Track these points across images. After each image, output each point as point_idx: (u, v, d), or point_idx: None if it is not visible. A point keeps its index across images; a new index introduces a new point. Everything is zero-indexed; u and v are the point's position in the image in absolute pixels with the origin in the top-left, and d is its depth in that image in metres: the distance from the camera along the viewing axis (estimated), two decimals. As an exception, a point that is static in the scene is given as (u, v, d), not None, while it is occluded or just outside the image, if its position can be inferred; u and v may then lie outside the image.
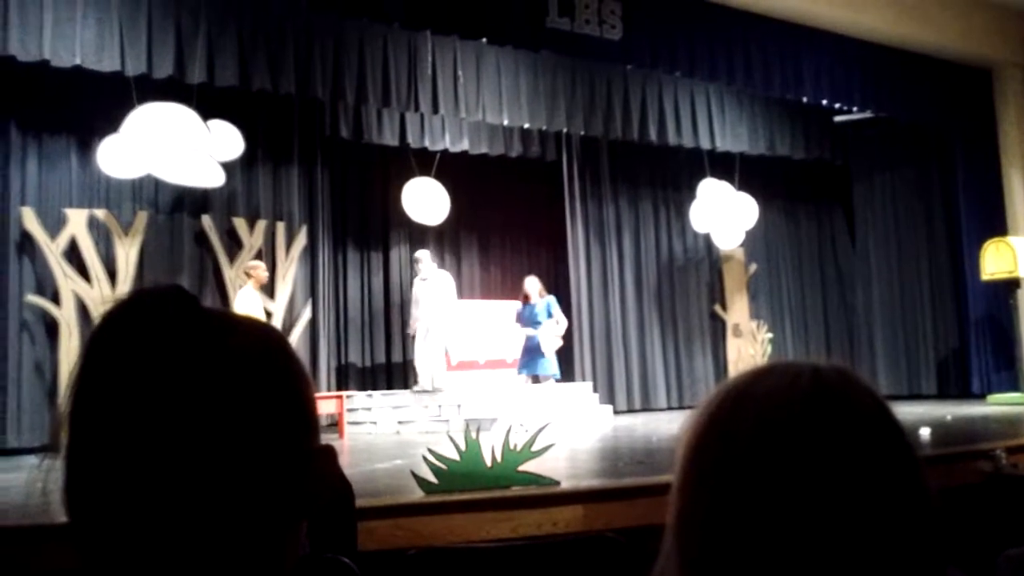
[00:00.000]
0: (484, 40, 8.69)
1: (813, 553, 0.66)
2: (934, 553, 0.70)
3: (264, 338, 0.71)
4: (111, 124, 7.37)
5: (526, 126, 9.88)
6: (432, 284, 9.09)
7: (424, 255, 9.32)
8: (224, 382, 0.65)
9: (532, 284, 8.62)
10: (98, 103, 7.81)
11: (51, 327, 7.87)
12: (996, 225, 10.38)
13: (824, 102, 10.20)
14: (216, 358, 0.65)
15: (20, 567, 3.01)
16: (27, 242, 7.89)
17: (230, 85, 7.76)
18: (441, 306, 9.00)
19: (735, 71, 9.08)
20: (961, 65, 10.44)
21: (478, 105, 8.88)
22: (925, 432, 5.99)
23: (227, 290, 8.74)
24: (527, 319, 8.76)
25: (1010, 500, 4.07)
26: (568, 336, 10.55)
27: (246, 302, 7.95)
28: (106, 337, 0.65)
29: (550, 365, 8.55)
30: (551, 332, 8.51)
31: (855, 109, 10.89)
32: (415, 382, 9.22)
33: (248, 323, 0.72)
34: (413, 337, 9.33)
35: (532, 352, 8.53)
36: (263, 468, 0.66)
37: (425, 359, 8.99)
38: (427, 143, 10.10)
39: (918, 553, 0.69)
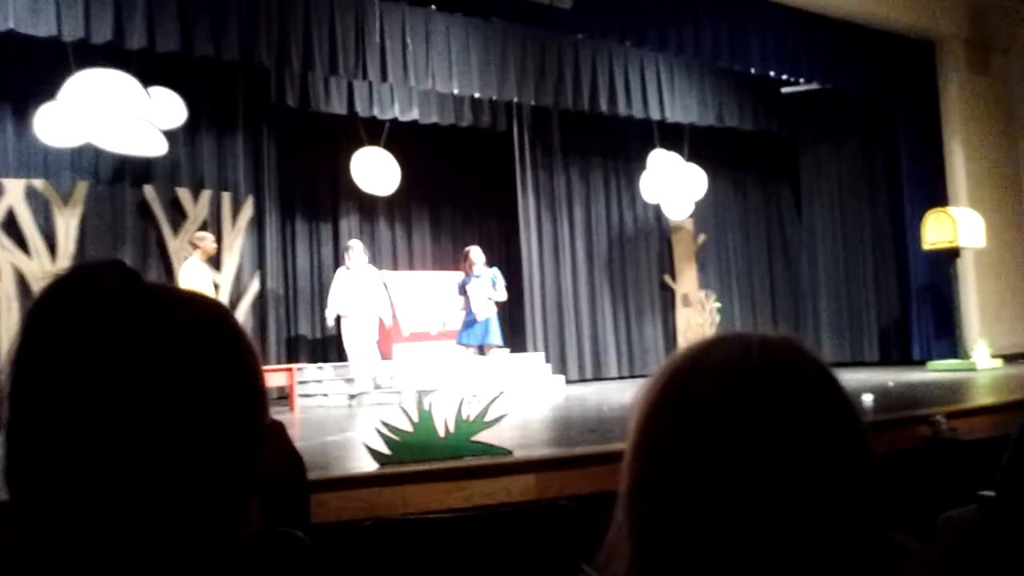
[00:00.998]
0: (433, 7, 8.57)
1: (762, 521, 0.67)
2: (880, 518, 0.71)
3: (208, 313, 0.69)
4: (48, 91, 7.12)
5: (476, 95, 9.80)
6: (358, 276, 8.84)
7: (356, 245, 9.07)
8: (167, 358, 0.63)
9: (478, 254, 8.50)
10: (34, 69, 7.56)
11: (-12, 301, 7.65)
12: (937, 196, 10.62)
13: (771, 73, 10.31)
14: (159, 333, 0.63)
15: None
16: (-39, 213, 7.63)
17: (172, 51, 7.55)
18: (369, 300, 8.76)
19: (684, 41, 9.11)
20: (906, 38, 10.60)
21: (428, 73, 8.77)
22: (868, 398, 6.13)
23: (171, 262, 8.57)
24: (469, 289, 8.48)
25: (949, 464, 4.19)
26: (520, 306, 10.56)
27: (192, 274, 7.80)
28: (45, 313, 0.63)
29: (495, 334, 8.37)
30: (488, 299, 8.30)
31: (801, 81, 11.02)
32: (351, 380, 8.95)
33: (192, 298, 0.70)
34: (333, 325, 9.10)
35: (473, 323, 8.31)
36: (209, 445, 0.64)
37: (355, 350, 8.78)
38: (376, 112, 9.97)
39: (865, 518, 0.70)
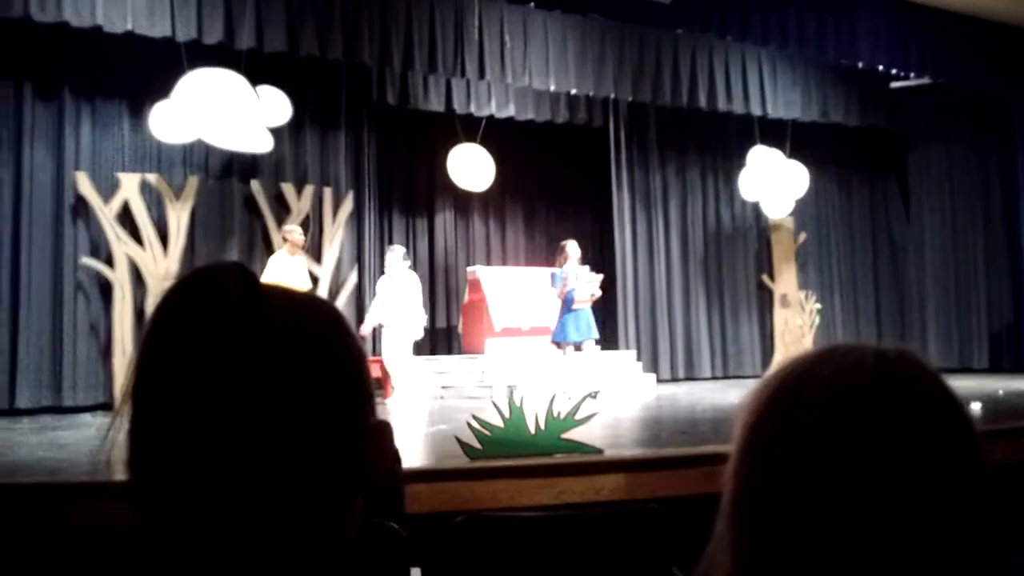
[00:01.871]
0: (531, 4, 8.59)
1: (870, 539, 0.65)
2: (996, 541, 0.69)
3: (322, 317, 0.72)
4: (162, 89, 7.46)
5: (573, 92, 9.76)
6: (398, 282, 8.38)
7: (398, 250, 8.60)
8: (281, 358, 0.66)
9: (575, 248, 8.38)
10: (149, 69, 7.90)
11: (105, 289, 8.05)
12: (1056, 196, 10.09)
13: (880, 68, 9.97)
14: (274, 335, 0.66)
15: (77, 521, 3.11)
16: (81, 205, 8.05)
17: (278, 51, 7.81)
18: (407, 307, 8.33)
19: (788, 35, 8.89)
20: (1021, 30, 10.08)
21: (524, 70, 8.80)
22: (976, 407, 5.89)
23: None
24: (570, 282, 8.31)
25: (1064, 478, 3.98)
26: (612, 304, 10.47)
27: (278, 266, 8.04)
28: (169, 313, 0.67)
29: (595, 327, 8.19)
30: (591, 293, 8.15)
31: (912, 75, 10.59)
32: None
33: (307, 300, 0.73)
34: (373, 334, 8.64)
35: (575, 317, 8.13)
36: (319, 443, 0.67)
37: (393, 361, 8.33)
38: (473, 109, 10.07)
39: (980, 540, 0.67)
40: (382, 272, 8.82)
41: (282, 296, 0.71)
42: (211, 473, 0.63)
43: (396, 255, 8.53)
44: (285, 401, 0.65)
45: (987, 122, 11.09)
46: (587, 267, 8.44)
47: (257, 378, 0.64)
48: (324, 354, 0.69)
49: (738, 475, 0.73)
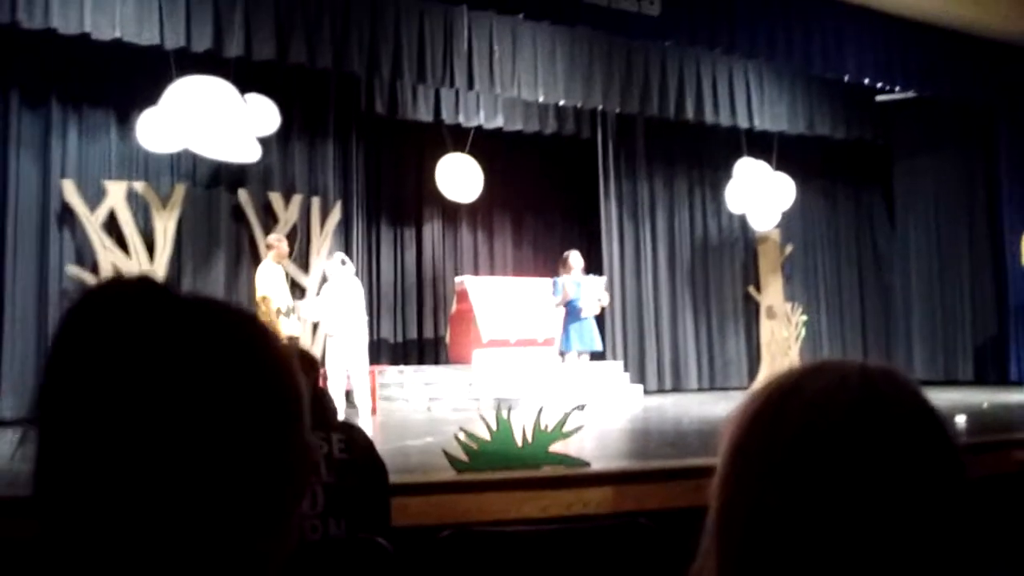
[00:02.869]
0: (521, 15, 8.62)
1: (855, 557, 0.66)
2: (975, 559, 0.69)
3: (242, 328, 0.69)
4: (150, 97, 7.43)
5: (561, 103, 9.80)
6: (346, 288, 7.84)
7: (343, 256, 8.11)
8: (192, 370, 0.64)
9: (577, 258, 8.31)
10: (137, 76, 7.88)
11: (90, 297, 7.98)
12: (1040, 210, 10.18)
13: (866, 81, 10.03)
14: (185, 347, 0.65)
15: None
16: (67, 213, 8.01)
17: (267, 59, 7.80)
18: (355, 314, 7.82)
19: (775, 48, 8.95)
20: (1007, 44, 10.19)
21: (513, 81, 8.82)
22: (961, 420, 5.91)
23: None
24: (576, 292, 8.28)
25: (1048, 491, 4.00)
26: (600, 315, 10.47)
27: (266, 275, 8.00)
28: (76, 321, 0.66)
29: (594, 338, 8.12)
30: (598, 300, 8.08)
31: (897, 88, 10.68)
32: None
33: (228, 313, 0.70)
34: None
35: (580, 327, 8.03)
36: (233, 461, 0.64)
37: (349, 373, 7.76)
38: (461, 119, 10.08)
39: (959, 559, 0.68)
40: (324, 280, 8.27)
41: (200, 307, 0.68)
42: (113, 491, 0.61)
43: (342, 262, 8.02)
44: (191, 412, 0.63)
45: (972, 135, 11.18)
46: (592, 276, 8.39)
47: (162, 388, 0.63)
48: (239, 368, 0.67)
49: (723, 491, 0.73)
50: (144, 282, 0.67)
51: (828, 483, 0.67)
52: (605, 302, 8.23)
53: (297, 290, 8.69)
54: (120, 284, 0.67)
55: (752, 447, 0.72)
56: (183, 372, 0.64)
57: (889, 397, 0.71)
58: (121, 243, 8.08)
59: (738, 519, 0.71)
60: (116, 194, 8.12)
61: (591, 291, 8.08)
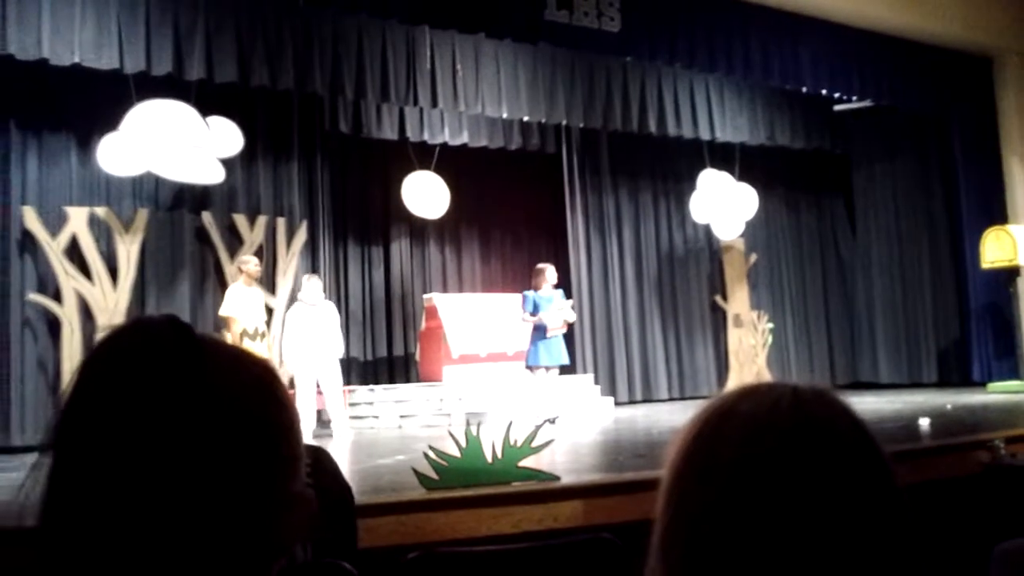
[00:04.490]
0: (482, 34, 8.68)
1: (789, 573, 0.68)
2: (910, 568, 0.72)
3: (253, 377, 0.72)
4: (110, 122, 7.37)
5: (525, 119, 9.86)
6: (321, 312, 8.12)
7: (314, 279, 8.33)
8: (209, 417, 0.66)
9: (552, 273, 8.35)
10: (97, 101, 7.80)
11: (53, 324, 7.89)
12: (996, 213, 10.38)
13: (824, 91, 10.20)
14: (203, 393, 0.67)
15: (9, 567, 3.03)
16: (28, 240, 7.91)
17: (229, 81, 7.78)
18: (332, 339, 8.09)
19: (734, 61, 9.07)
20: (961, 53, 10.42)
21: (477, 98, 8.87)
22: (925, 422, 6.00)
23: (228, 285, 8.73)
24: (537, 308, 8.35)
25: (1009, 491, 4.08)
26: (569, 328, 10.49)
27: (236, 298, 7.96)
28: (99, 363, 0.67)
29: (562, 353, 8.17)
30: (564, 319, 8.14)
31: (855, 98, 10.89)
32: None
33: (241, 359, 0.73)
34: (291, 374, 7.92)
35: (547, 342, 8.08)
36: (235, 505, 0.67)
37: (311, 394, 7.91)
38: (426, 137, 10.10)
39: (895, 570, 0.70)
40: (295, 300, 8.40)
41: (216, 354, 0.71)
42: (122, 526, 0.63)
43: (317, 284, 8.23)
44: (207, 460, 0.65)
45: (928, 142, 11.40)
46: (561, 291, 8.41)
47: (181, 435, 0.65)
48: (253, 417, 0.70)
49: (666, 512, 0.75)
50: (168, 323, 0.68)
51: (763, 503, 0.69)
52: (572, 319, 8.25)
53: (267, 312, 8.62)
54: (143, 324, 0.69)
55: (690, 470, 0.75)
56: (197, 417, 0.66)
57: (820, 419, 0.73)
58: (84, 269, 7.99)
59: (679, 540, 0.73)
60: (78, 220, 8.03)
61: (557, 309, 8.10)
